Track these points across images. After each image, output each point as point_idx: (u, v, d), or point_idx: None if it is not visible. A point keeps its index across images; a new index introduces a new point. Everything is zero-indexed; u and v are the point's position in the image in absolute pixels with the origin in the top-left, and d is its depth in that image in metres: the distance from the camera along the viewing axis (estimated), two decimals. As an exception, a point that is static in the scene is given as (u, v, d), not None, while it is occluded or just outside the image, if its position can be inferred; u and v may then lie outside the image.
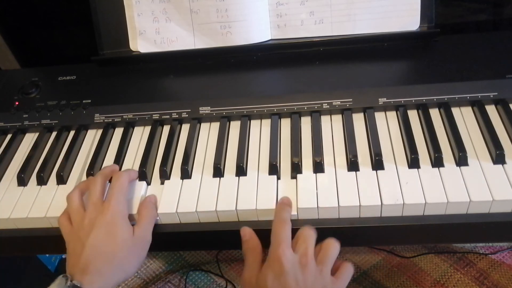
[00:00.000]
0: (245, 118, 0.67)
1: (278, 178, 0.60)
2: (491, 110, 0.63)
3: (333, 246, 0.53)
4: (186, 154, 0.64)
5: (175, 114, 0.69)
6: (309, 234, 0.52)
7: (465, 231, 0.56)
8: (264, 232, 0.56)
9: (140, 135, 0.70)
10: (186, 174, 0.62)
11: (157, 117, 0.69)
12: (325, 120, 0.66)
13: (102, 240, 0.54)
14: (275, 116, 0.67)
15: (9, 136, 0.74)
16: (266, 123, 0.67)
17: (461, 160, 0.57)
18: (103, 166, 0.66)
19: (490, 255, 1.09)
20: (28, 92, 0.76)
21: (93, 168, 0.64)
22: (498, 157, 0.57)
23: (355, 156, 0.59)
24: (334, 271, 0.53)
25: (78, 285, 0.51)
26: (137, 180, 0.63)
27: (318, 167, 0.59)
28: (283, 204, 0.56)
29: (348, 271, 0.54)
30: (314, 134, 0.63)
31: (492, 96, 0.63)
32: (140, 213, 0.58)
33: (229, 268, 1.13)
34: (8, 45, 0.89)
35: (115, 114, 0.71)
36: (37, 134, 0.73)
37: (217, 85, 0.72)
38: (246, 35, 0.73)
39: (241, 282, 0.52)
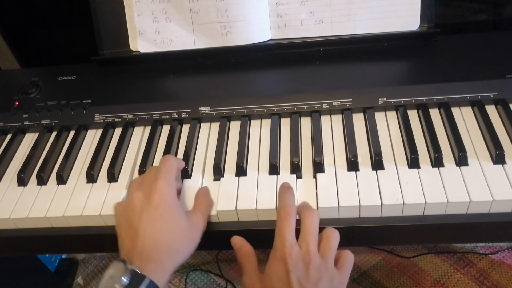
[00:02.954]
0: (245, 118, 0.68)
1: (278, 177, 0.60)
2: (491, 110, 0.63)
3: (333, 236, 0.53)
4: (186, 154, 0.64)
5: (175, 114, 0.69)
6: (311, 227, 0.52)
7: (465, 231, 0.56)
8: (264, 233, 0.56)
9: (140, 135, 0.70)
10: (186, 174, 0.62)
11: (157, 117, 0.69)
12: (325, 120, 0.66)
13: (155, 225, 0.51)
14: (275, 116, 0.67)
15: (9, 136, 0.74)
16: (266, 123, 0.67)
17: (461, 160, 0.57)
18: (103, 167, 0.66)
19: (490, 255, 1.09)
20: (28, 92, 0.76)
21: (93, 168, 0.64)
22: (498, 157, 0.57)
23: (355, 156, 0.59)
24: (335, 262, 0.53)
25: (138, 271, 0.48)
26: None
27: (318, 167, 0.59)
28: (285, 188, 0.56)
29: (349, 260, 0.53)
30: (314, 134, 0.63)
31: (492, 96, 0.63)
32: (197, 200, 0.57)
33: (229, 268, 1.13)
34: (8, 45, 0.89)
35: (115, 114, 0.71)
36: (37, 134, 0.73)
37: (217, 85, 0.72)
38: (246, 35, 0.73)
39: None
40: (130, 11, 0.75)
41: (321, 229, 0.53)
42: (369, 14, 0.71)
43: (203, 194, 0.58)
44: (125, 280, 0.47)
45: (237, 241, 0.56)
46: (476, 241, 0.98)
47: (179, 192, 0.59)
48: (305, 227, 0.52)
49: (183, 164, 0.60)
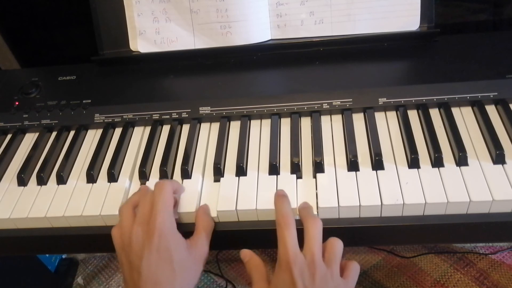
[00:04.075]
0: (245, 118, 0.68)
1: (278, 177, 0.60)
2: (491, 110, 0.63)
3: (337, 245, 0.53)
4: (186, 154, 0.64)
5: (175, 114, 0.69)
6: (315, 236, 0.51)
7: (465, 231, 0.56)
8: (264, 233, 0.56)
9: (140, 135, 0.70)
10: (186, 174, 0.62)
11: (157, 117, 0.69)
12: (325, 120, 0.66)
13: (156, 268, 0.51)
14: (275, 116, 0.67)
15: (9, 136, 0.74)
16: (266, 123, 0.67)
17: (461, 160, 0.57)
18: (103, 167, 0.66)
19: (490, 255, 1.09)
20: (28, 92, 0.76)
21: (93, 168, 0.64)
22: (498, 157, 0.57)
23: (355, 156, 0.59)
24: (340, 271, 0.52)
25: None
26: (138, 180, 0.63)
27: (318, 167, 0.59)
28: (279, 196, 0.55)
29: (355, 270, 0.53)
30: (314, 134, 0.63)
31: (492, 96, 0.63)
32: (198, 221, 0.56)
33: (229, 268, 1.13)
34: (8, 45, 0.89)
35: (115, 114, 0.71)
36: (37, 134, 0.73)
37: (217, 85, 0.72)
38: (246, 35, 0.73)
39: None
40: (130, 11, 0.75)
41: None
42: (369, 14, 0.71)
43: (203, 213, 0.57)
44: None
45: (246, 254, 0.56)
46: (476, 241, 0.98)
47: (175, 204, 0.58)
48: (309, 236, 0.51)
49: (180, 186, 0.59)
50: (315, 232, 0.51)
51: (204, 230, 0.56)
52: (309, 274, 0.49)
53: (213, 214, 0.58)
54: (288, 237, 0.51)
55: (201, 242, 0.55)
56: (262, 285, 0.52)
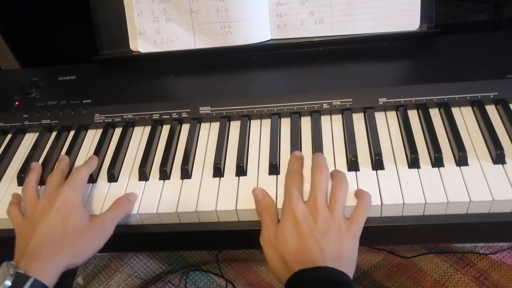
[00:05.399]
0: (245, 118, 0.68)
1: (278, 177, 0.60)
2: (491, 110, 0.63)
3: (339, 190, 0.53)
4: (186, 154, 0.64)
5: (175, 114, 0.69)
6: (319, 183, 0.53)
7: (465, 231, 0.56)
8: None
9: (140, 135, 0.70)
10: (186, 174, 0.62)
11: (157, 117, 0.69)
12: (325, 120, 0.66)
13: (52, 225, 0.54)
14: (275, 116, 0.67)
15: (9, 136, 0.74)
16: (266, 123, 0.67)
17: (461, 160, 0.57)
18: (103, 166, 0.66)
19: (490, 255, 1.09)
20: (28, 92, 0.76)
21: (93, 168, 0.64)
22: (498, 157, 0.57)
23: (355, 156, 0.59)
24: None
25: (22, 272, 0.50)
26: (137, 180, 0.63)
27: (318, 167, 0.59)
28: (295, 157, 0.58)
29: (362, 209, 0.53)
30: (314, 134, 0.63)
31: (492, 96, 0.63)
32: (111, 206, 0.59)
33: (229, 268, 1.13)
34: (8, 45, 0.89)
35: (115, 114, 0.71)
36: (37, 134, 0.73)
37: (217, 85, 0.72)
38: (246, 35, 0.73)
39: (261, 242, 0.53)
40: (130, 11, 0.75)
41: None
42: (369, 14, 0.71)
43: (118, 200, 0.59)
44: (8, 283, 0.49)
45: (258, 193, 0.56)
46: (476, 241, 0.97)
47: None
48: (314, 184, 0.54)
49: (94, 165, 0.63)
50: (319, 180, 0.54)
51: (112, 211, 0.58)
52: (312, 218, 0.51)
53: (213, 214, 0.58)
54: (291, 185, 0.54)
55: (105, 219, 0.57)
56: (271, 228, 0.53)
